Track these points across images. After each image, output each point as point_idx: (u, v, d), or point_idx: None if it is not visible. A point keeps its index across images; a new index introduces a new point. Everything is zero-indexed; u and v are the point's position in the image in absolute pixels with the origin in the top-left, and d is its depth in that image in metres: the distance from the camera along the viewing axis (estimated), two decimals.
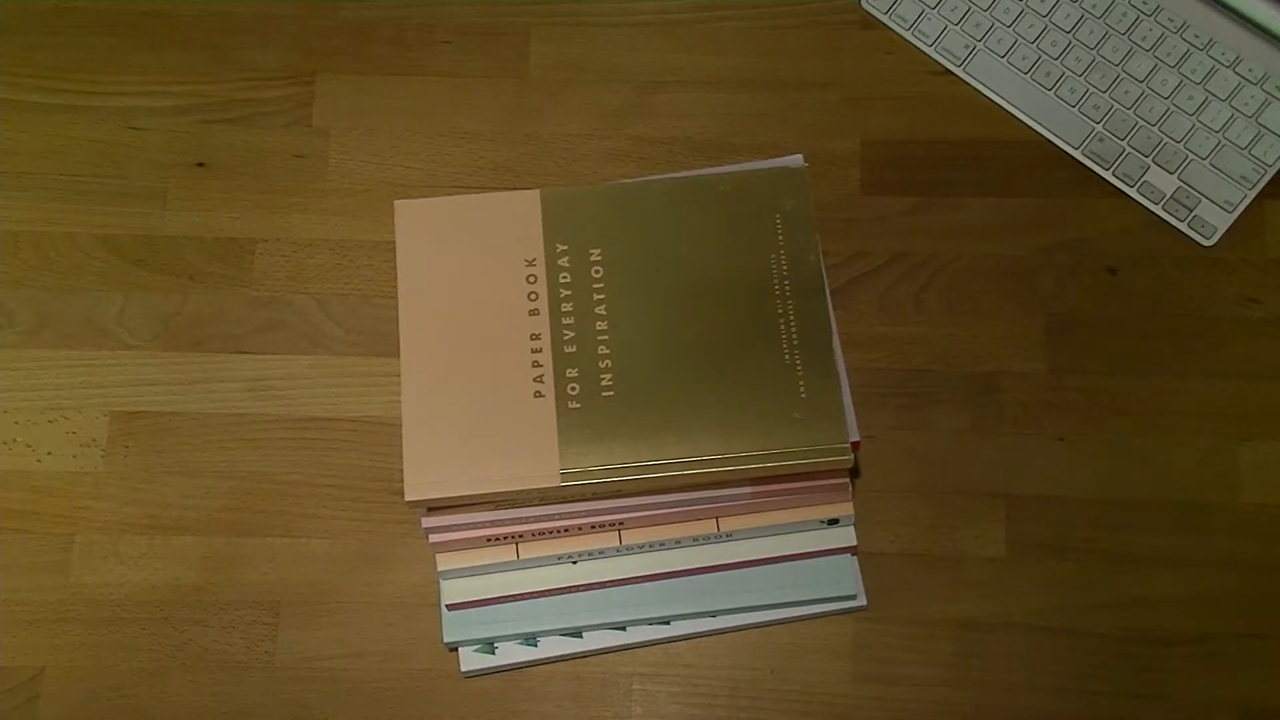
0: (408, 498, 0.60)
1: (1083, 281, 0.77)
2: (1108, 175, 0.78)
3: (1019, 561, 0.72)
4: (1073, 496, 0.73)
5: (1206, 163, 0.77)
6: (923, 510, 0.73)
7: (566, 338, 0.62)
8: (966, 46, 0.80)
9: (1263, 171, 0.77)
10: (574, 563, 0.68)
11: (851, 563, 0.69)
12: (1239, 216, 0.76)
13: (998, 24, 0.80)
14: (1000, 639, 0.71)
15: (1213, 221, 0.76)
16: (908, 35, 0.80)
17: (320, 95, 0.80)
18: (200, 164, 0.79)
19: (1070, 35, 0.79)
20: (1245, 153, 0.77)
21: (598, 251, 0.64)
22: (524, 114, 0.80)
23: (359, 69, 0.80)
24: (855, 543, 0.68)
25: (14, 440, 0.74)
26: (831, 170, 0.78)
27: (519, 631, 0.69)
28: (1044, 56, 0.79)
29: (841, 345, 0.75)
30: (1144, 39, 0.79)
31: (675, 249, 0.64)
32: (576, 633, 0.69)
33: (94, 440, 0.74)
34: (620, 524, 0.66)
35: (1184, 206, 0.77)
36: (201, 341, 0.76)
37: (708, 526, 0.67)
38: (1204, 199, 0.77)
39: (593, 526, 0.65)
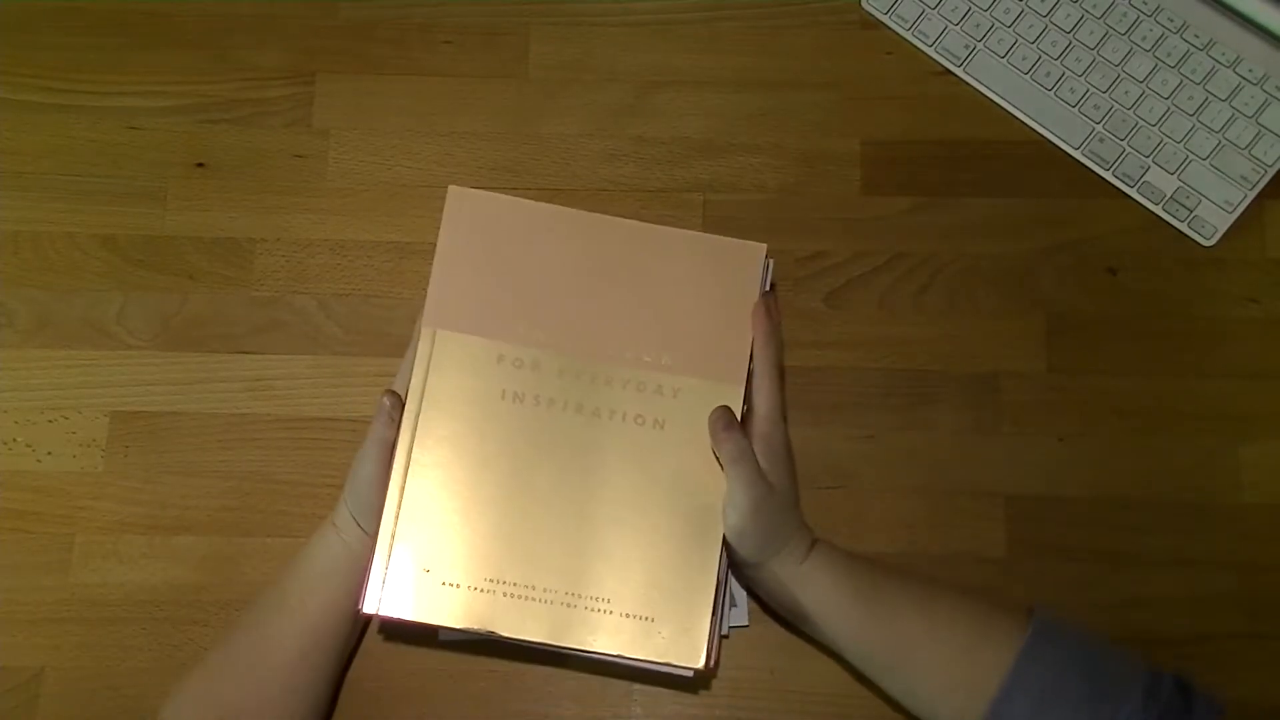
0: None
1: (1083, 281, 0.76)
2: (1108, 175, 0.78)
3: (1019, 561, 0.72)
4: (1073, 496, 0.73)
5: (1206, 163, 0.77)
6: (922, 510, 0.73)
7: None
8: (966, 46, 0.80)
9: (1263, 171, 0.76)
10: None
11: None
12: (1239, 216, 0.76)
13: (998, 24, 0.80)
14: None
15: (1213, 221, 0.76)
16: (908, 35, 0.80)
17: (320, 95, 0.80)
18: (200, 164, 0.79)
19: (1070, 35, 0.79)
20: (1245, 153, 0.77)
21: None
22: (524, 114, 0.80)
23: (359, 69, 0.80)
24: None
25: (14, 440, 0.74)
26: (831, 170, 0.78)
27: None
28: (1044, 56, 0.79)
29: (842, 345, 0.76)
30: (1144, 39, 0.79)
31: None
32: None
33: (94, 440, 0.74)
34: None
35: (1184, 206, 0.77)
36: (201, 341, 0.76)
37: None
38: (1204, 199, 0.77)
39: None
